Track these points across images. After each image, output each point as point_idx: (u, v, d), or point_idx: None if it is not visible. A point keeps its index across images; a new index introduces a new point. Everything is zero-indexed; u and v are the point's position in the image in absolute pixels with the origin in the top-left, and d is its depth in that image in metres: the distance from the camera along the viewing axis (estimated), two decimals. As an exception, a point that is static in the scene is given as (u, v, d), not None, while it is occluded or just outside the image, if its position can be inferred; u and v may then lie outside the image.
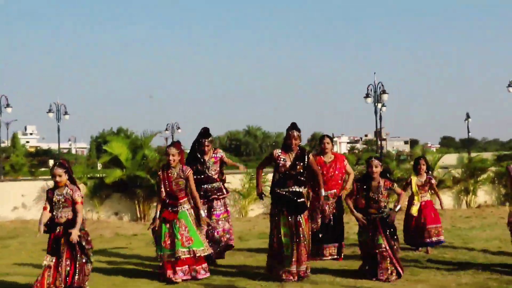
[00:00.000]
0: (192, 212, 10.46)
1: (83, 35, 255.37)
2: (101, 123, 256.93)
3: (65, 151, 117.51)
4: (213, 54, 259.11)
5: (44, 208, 9.29)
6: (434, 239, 12.80)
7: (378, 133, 42.94)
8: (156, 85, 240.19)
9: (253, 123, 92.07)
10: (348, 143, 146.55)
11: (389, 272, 9.89)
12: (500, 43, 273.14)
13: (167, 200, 10.34)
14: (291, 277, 9.83)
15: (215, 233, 11.57)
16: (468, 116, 69.01)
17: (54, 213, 9.33)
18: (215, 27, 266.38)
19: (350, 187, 11.25)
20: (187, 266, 10.26)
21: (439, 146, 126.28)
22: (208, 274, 10.39)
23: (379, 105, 37.73)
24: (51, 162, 65.30)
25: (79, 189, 9.48)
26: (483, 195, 23.11)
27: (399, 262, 10.09)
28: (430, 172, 13.53)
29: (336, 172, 12.00)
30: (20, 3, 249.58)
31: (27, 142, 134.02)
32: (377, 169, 10.22)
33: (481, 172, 22.95)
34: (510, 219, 10.62)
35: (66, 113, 49.74)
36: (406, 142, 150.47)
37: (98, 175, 20.83)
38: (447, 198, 22.03)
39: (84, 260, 9.28)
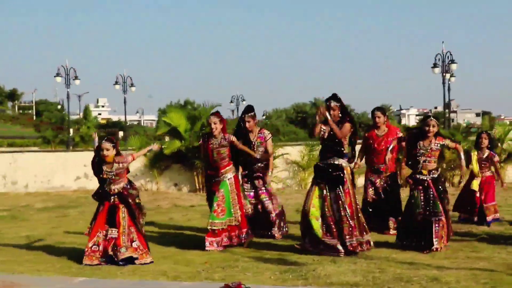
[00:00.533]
0: (234, 181, 10.42)
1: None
2: (169, 96, 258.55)
3: (135, 123, 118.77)
4: (280, 24, 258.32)
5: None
6: (491, 217, 12.40)
7: (447, 105, 42.10)
8: (222, 57, 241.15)
9: (319, 95, 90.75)
10: (416, 115, 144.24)
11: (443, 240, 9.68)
12: None
13: (208, 171, 10.18)
14: (327, 249, 9.69)
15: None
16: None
17: (106, 186, 9.30)
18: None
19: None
20: (224, 236, 10.39)
21: None
22: (250, 237, 10.66)
23: (448, 76, 36.88)
24: (120, 133, 66.10)
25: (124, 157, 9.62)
26: None
27: (450, 227, 9.93)
28: (494, 148, 12.92)
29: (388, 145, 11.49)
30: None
31: (99, 114, 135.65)
32: (434, 128, 9.84)
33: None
34: None
35: (132, 85, 50.10)
36: (477, 115, 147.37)
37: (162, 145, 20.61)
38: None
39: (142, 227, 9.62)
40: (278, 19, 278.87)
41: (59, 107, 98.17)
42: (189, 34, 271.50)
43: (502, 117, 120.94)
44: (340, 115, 9.91)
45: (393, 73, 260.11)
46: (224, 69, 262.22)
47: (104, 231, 9.45)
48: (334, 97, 9.97)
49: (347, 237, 9.60)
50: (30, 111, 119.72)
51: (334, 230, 9.64)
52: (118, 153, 9.55)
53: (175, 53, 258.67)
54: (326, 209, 9.71)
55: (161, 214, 15.00)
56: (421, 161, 9.82)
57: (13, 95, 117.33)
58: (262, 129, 11.82)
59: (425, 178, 9.85)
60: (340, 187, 9.72)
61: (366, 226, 9.96)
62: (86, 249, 9.35)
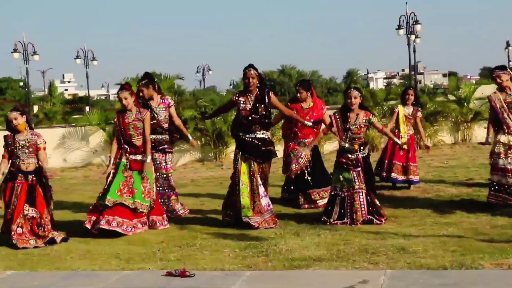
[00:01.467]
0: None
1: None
2: (135, 69, 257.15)
3: (102, 97, 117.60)
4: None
5: (4, 157, 9.05)
6: (414, 177, 12.31)
7: (413, 67, 41.81)
8: (189, 27, 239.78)
9: (287, 63, 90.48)
10: (384, 78, 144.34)
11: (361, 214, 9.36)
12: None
13: (128, 148, 9.67)
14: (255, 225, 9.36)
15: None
16: (508, 45, 67.35)
17: (18, 161, 8.88)
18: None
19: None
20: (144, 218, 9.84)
21: (478, 77, 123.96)
22: (166, 225, 10.04)
23: (413, 37, 36.54)
24: (86, 108, 65.27)
25: (40, 135, 9.13)
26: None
27: (376, 205, 9.51)
28: (419, 104, 12.82)
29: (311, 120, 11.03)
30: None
31: (66, 90, 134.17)
32: (356, 100, 9.44)
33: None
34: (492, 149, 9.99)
35: (94, 58, 49.28)
36: (444, 75, 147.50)
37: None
38: (483, 131, 20.99)
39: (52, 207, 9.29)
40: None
41: (21, 84, 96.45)
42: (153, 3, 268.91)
43: (468, 76, 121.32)
44: (258, 84, 9.46)
45: (359, 37, 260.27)
46: (192, 39, 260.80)
47: (23, 211, 9.00)
48: (252, 66, 9.45)
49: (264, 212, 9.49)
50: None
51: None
52: (30, 126, 9.17)
53: (138, 24, 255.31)
54: (254, 186, 9.40)
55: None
56: (351, 138, 9.45)
57: None
58: (165, 95, 11.33)
59: (356, 156, 9.46)
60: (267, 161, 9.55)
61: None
62: (13, 233, 8.90)
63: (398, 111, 12.24)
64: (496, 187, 9.73)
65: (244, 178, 9.38)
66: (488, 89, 24.64)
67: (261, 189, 9.43)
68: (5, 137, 9.08)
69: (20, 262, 8.20)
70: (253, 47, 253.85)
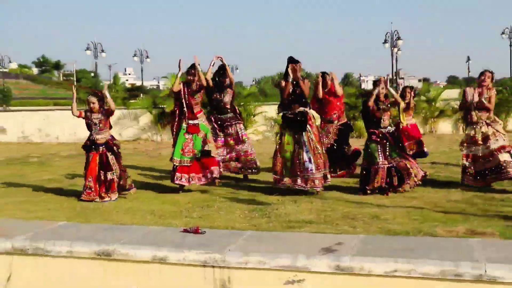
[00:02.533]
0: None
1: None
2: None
3: (154, 87, 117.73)
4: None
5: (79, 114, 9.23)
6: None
7: (396, 73, 41.53)
8: (226, 27, 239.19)
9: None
10: (374, 81, 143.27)
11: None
12: None
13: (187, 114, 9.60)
14: (302, 184, 9.12)
15: None
16: (468, 59, 66.76)
17: (92, 135, 9.08)
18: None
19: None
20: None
21: (446, 83, 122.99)
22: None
23: (395, 50, 36.23)
24: (141, 96, 65.20)
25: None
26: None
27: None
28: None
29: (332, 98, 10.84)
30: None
31: (127, 80, 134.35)
32: (383, 90, 9.46)
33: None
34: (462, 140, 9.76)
35: (147, 56, 49.25)
36: (419, 80, 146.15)
37: (160, 106, 19.87)
38: (446, 125, 20.84)
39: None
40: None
41: (92, 74, 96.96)
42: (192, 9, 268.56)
43: (438, 82, 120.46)
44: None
45: (354, 47, 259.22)
46: (228, 39, 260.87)
47: (95, 176, 9.06)
48: (293, 59, 9.35)
49: (317, 170, 9.13)
50: (72, 78, 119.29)
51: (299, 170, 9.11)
52: (102, 107, 9.15)
53: (185, 29, 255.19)
54: (295, 152, 9.12)
55: (160, 161, 14.35)
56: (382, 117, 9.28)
57: (57, 66, 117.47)
58: None
59: (385, 131, 9.24)
60: (309, 130, 9.17)
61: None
62: (84, 189, 9.08)
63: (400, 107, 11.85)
64: (466, 171, 9.49)
65: (287, 147, 9.19)
66: (452, 93, 24.39)
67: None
68: (85, 111, 9.17)
69: (78, 214, 8.17)
70: (272, 51, 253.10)
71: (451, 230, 6.57)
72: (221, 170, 10.06)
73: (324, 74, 10.75)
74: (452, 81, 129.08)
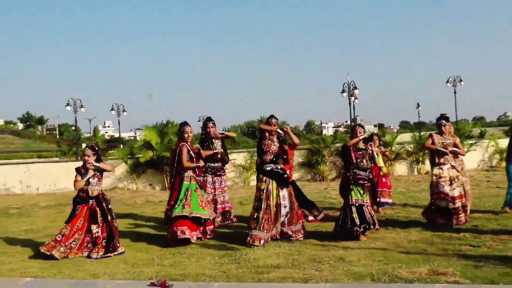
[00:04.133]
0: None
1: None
2: (156, 116, 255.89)
3: (132, 138, 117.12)
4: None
5: (76, 181, 8.41)
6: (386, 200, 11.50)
7: (353, 120, 41.64)
8: (193, 90, 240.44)
9: (264, 114, 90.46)
10: (333, 127, 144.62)
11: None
12: (439, 49, 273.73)
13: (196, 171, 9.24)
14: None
15: None
16: (418, 105, 67.56)
17: (87, 188, 8.31)
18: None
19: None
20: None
21: (398, 128, 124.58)
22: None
23: (353, 98, 36.43)
24: (121, 146, 64.55)
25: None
26: (430, 164, 21.44)
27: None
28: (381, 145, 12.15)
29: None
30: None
31: (106, 132, 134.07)
32: (361, 134, 8.82)
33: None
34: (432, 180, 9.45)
35: (124, 110, 48.81)
36: (375, 126, 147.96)
37: (136, 156, 19.43)
38: (402, 167, 20.72)
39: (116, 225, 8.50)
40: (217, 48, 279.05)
41: (73, 128, 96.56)
42: (164, 67, 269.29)
43: (392, 127, 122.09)
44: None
45: (315, 97, 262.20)
46: (198, 91, 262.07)
47: (84, 230, 8.32)
48: (273, 116, 9.44)
49: (294, 224, 8.71)
50: (54, 132, 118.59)
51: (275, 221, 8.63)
52: (98, 159, 8.52)
53: (157, 85, 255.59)
54: (279, 203, 8.61)
55: (135, 208, 13.88)
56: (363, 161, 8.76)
57: (40, 121, 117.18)
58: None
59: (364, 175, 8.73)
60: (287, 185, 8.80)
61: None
62: (49, 241, 8.30)
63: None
64: (433, 208, 9.36)
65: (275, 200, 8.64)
66: (405, 137, 24.38)
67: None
68: (77, 168, 8.51)
69: (51, 265, 7.68)
70: (239, 102, 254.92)
71: (414, 271, 6.25)
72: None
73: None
74: (404, 126, 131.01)
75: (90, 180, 8.36)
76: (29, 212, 14.28)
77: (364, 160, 8.72)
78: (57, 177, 19.41)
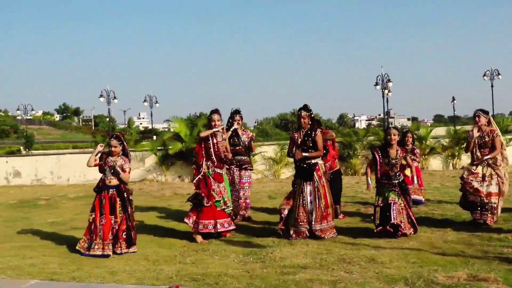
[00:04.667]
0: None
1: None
2: (190, 108, 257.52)
3: (166, 130, 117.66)
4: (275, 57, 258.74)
5: (95, 164, 8.01)
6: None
7: (386, 113, 40.87)
8: (226, 82, 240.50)
9: (297, 106, 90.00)
10: (366, 120, 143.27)
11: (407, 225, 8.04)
12: (476, 42, 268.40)
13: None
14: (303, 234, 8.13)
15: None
16: (453, 99, 66.49)
17: (105, 176, 7.92)
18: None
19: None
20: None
21: (432, 121, 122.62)
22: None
23: (386, 91, 35.62)
24: (154, 137, 64.72)
25: (129, 161, 8.08)
26: (466, 158, 20.60)
27: (413, 216, 8.22)
28: (414, 143, 11.41)
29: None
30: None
31: (141, 124, 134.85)
32: (395, 137, 8.18)
33: (464, 141, 20.42)
34: (463, 175, 8.89)
35: (156, 102, 48.64)
36: (409, 119, 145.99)
37: (166, 147, 19.14)
38: (437, 162, 20.03)
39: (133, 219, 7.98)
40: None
41: (107, 119, 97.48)
42: (200, 59, 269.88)
43: (425, 120, 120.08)
44: (310, 122, 8.34)
45: (349, 89, 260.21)
46: (230, 82, 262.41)
47: (104, 220, 7.86)
48: (305, 107, 8.40)
49: (318, 222, 8.13)
50: (90, 123, 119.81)
51: (305, 218, 8.14)
52: (124, 150, 8.04)
53: (192, 77, 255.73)
54: (303, 201, 8.13)
55: (162, 201, 13.57)
56: (391, 167, 8.15)
57: (76, 112, 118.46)
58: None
59: (394, 181, 8.15)
60: (317, 180, 8.18)
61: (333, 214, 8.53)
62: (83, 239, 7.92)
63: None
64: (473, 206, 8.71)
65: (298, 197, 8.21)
66: (439, 131, 23.64)
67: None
68: (102, 154, 8.10)
69: (71, 261, 7.38)
70: (273, 94, 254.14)
71: (452, 276, 5.73)
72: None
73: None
74: (438, 120, 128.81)
75: (106, 171, 7.97)
76: (57, 204, 14.12)
77: (391, 172, 8.20)
78: (87, 168, 19.20)
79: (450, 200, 11.53)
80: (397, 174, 8.20)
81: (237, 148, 9.97)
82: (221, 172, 8.67)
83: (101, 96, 39.76)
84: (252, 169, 10.44)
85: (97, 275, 6.55)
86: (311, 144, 8.23)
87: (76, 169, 19.32)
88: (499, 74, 44.35)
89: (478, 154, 8.70)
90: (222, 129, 8.84)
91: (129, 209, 7.97)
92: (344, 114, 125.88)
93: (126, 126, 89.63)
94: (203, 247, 7.82)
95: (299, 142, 8.29)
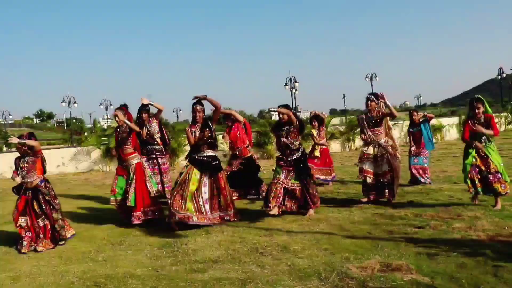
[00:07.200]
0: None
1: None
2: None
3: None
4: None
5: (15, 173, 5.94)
6: (324, 177, 9.34)
7: (295, 108, 39.82)
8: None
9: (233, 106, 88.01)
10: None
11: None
12: (357, 48, 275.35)
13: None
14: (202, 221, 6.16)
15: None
16: (344, 96, 66.79)
17: (23, 178, 5.82)
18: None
19: None
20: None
21: (329, 113, 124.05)
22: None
23: (294, 90, 34.43)
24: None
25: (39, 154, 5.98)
26: (359, 141, 19.57)
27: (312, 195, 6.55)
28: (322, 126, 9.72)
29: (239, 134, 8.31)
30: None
31: (105, 123, 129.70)
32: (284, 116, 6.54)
33: (356, 127, 19.33)
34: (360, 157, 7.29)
35: (111, 104, 45.59)
36: (310, 113, 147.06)
37: (107, 142, 16.98)
38: (336, 145, 18.81)
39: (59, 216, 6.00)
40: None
41: (73, 120, 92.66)
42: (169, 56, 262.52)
43: (324, 113, 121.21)
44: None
45: (265, 88, 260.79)
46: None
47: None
48: (198, 101, 6.36)
49: (222, 209, 6.32)
50: (62, 124, 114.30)
51: (207, 207, 6.23)
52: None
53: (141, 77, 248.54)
54: (202, 191, 6.19)
55: (101, 190, 11.49)
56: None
57: (50, 116, 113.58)
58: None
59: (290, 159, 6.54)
60: (217, 173, 6.30)
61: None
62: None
63: (312, 133, 9.52)
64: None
65: (192, 187, 6.17)
66: (335, 120, 22.52)
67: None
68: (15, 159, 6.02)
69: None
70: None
71: (365, 267, 4.21)
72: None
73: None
74: (332, 112, 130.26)
75: (22, 171, 5.98)
76: (7, 197, 11.77)
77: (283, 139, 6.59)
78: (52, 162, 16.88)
79: (351, 179, 10.16)
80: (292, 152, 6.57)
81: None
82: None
83: (63, 101, 36.56)
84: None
85: (-4, 282, 4.67)
86: (210, 134, 6.30)
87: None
88: (376, 76, 44.48)
89: (370, 133, 7.20)
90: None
91: (48, 209, 5.99)
92: (263, 109, 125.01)
93: (92, 125, 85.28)
94: (121, 240, 5.99)
95: (197, 135, 6.34)
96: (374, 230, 5.56)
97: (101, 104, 40.86)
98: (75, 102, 37.43)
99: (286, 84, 33.88)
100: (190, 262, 4.79)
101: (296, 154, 6.55)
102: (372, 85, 45.02)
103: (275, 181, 6.49)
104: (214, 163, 6.30)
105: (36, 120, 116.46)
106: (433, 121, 14.63)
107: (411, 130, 9.14)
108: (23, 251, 5.72)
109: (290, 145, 6.54)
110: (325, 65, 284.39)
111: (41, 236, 5.91)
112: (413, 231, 5.39)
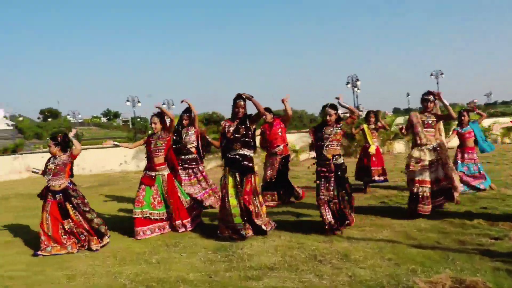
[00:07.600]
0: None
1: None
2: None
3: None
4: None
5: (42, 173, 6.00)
6: (377, 178, 8.75)
7: (356, 107, 38.97)
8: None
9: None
10: (342, 113, 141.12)
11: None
12: (423, 48, 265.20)
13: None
14: (246, 232, 5.76)
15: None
16: (408, 94, 64.49)
17: (48, 181, 5.89)
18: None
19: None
20: (156, 224, 6.40)
21: (392, 113, 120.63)
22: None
23: (355, 89, 33.55)
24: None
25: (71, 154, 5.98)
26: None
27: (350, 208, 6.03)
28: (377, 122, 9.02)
29: (279, 132, 7.80)
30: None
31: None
32: (331, 117, 6.06)
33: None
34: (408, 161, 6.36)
35: (139, 101, 43.39)
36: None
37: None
38: (400, 145, 18.08)
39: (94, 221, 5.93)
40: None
41: (138, 119, 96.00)
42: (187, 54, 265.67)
43: (387, 112, 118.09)
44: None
45: (326, 88, 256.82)
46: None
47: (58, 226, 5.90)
48: (240, 96, 5.86)
49: (258, 218, 5.84)
50: (128, 123, 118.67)
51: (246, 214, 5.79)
52: (63, 148, 6.02)
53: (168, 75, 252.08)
54: (240, 196, 5.77)
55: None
56: (324, 146, 5.98)
57: (116, 115, 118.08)
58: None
59: (329, 163, 5.89)
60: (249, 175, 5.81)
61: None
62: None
63: (363, 128, 8.88)
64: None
65: (231, 191, 5.80)
66: (399, 120, 21.70)
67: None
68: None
69: (40, 260, 5.53)
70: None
71: (435, 282, 3.82)
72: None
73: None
74: (396, 111, 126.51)
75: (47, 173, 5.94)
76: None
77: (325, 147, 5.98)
78: (105, 160, 17.45)
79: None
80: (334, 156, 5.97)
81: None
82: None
83: (127, 101, 37.72)
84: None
85: (53, 280, 4.70)
86: (244, 132, 5.86)
87: (96, 161, 17.40)
88: (442, 73, 42.75)
89: (425, 133, 6.36)
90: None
91: (81, 211, 5.94)
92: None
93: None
94: (176, 241, 5.90)
95: (231, 131, 5.89)
96: (443, 240, 5.11)
97: (127, 101, 39.32)
98: (138, 102, 38.39)
99: (347, 83, 33.07)
100: (245, 268, 4.59)
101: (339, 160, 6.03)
102: (437, 83, 43.28)
103: (321, 198, 5.88)
104: (244, 162, 5.80)
105: (103, 119, 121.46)
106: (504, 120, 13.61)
107: (459, 130, 8.06)
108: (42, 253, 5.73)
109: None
110: (387, 62, 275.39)
111: (85, 234, 5.89)
112: (489, 243, 4.90)
